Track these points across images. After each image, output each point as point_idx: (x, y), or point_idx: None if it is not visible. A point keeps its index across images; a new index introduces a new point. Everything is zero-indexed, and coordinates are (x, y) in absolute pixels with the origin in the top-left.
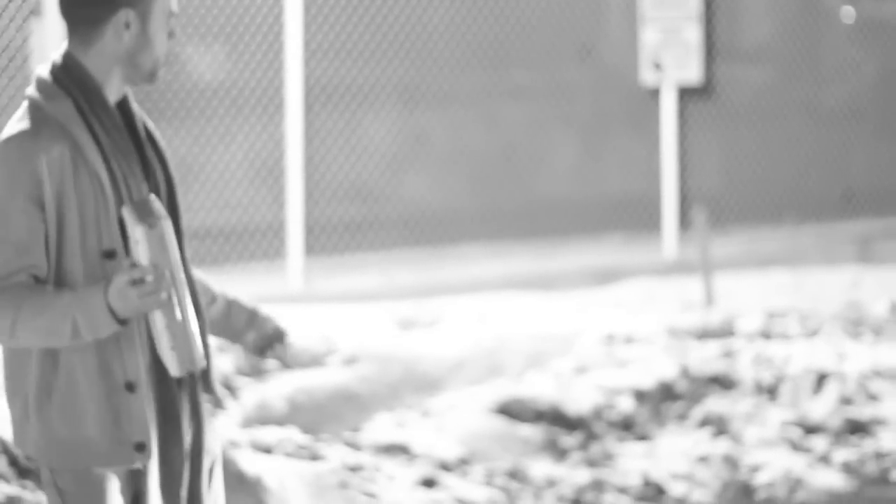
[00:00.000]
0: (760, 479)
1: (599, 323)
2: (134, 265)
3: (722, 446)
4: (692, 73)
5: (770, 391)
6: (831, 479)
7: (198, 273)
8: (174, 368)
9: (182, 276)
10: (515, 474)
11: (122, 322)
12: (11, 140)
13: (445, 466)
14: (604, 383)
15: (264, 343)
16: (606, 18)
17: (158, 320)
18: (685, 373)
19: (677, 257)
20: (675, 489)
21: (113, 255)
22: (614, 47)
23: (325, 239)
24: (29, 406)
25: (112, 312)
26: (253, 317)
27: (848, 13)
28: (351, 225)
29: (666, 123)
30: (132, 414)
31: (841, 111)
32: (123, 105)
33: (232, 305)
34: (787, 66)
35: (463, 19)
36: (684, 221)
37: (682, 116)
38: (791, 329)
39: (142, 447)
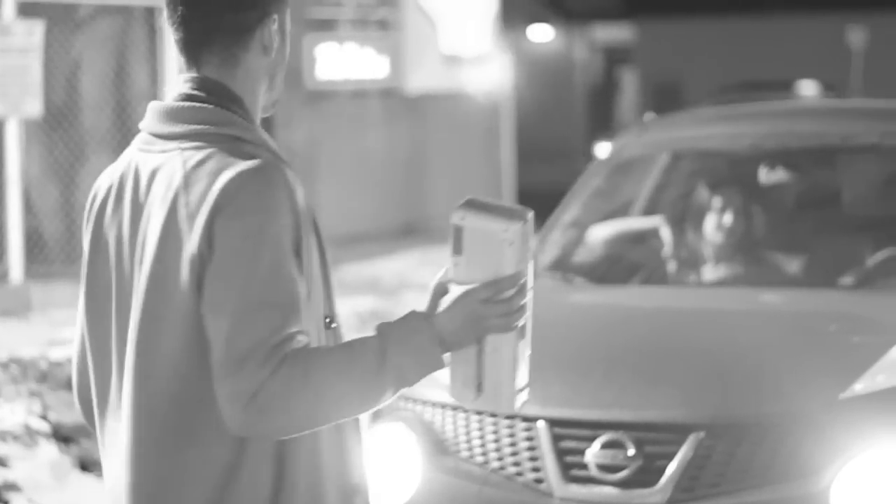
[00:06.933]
0: None
1: None
2: (497, 280)
3: None
4: None
5: None
6: None
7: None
8: (506, 405)
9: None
10: None
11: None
12: (264, 172)
13: None
14: None
15: None
16: None
17: (505, 347)
18: None
19: None
20: None
21: (332, 322)
22: None
23: None
24: None
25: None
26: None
27: None
28: None
29: None
30: None
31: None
32: None
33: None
34: None
35: None
36: None
37: None
38: None
39: None
